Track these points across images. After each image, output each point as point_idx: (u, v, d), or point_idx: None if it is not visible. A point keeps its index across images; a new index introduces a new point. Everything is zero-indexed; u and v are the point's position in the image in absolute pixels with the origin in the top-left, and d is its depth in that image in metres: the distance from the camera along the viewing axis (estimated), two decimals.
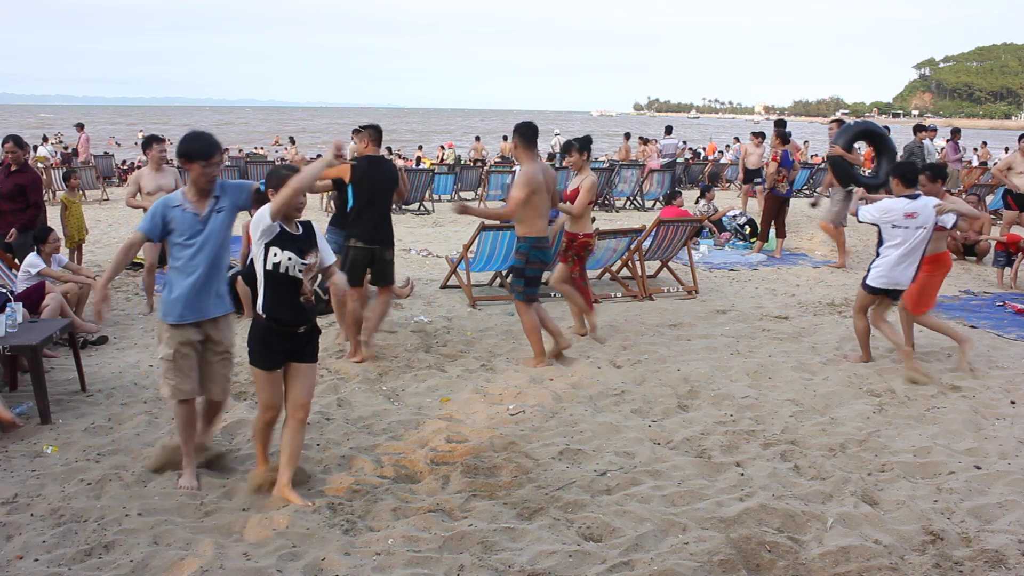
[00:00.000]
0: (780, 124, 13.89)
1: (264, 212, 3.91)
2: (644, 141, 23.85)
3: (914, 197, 6.10)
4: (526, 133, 6.06)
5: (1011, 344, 7.14)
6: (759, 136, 15.56)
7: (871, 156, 12.31)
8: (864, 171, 11.36)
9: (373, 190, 6.35)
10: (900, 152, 12.93)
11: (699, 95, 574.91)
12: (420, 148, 31.43)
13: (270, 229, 3.89)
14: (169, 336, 4.21)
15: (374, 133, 6.56)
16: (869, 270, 6.30)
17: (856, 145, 11.08)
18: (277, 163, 18.72)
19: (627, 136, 27.43)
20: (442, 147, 30.83)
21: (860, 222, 6.39)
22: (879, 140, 10.89)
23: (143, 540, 3.69)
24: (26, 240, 7.44)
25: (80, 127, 23.72)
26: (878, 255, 6.21)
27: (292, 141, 29.34)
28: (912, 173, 6.23)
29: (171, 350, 4.19)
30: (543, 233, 6.15)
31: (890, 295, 6.26)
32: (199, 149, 4.15)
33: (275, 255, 3.90)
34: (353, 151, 8.17)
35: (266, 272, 3.93)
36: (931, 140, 17.03)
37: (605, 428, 5.08)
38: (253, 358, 4.05)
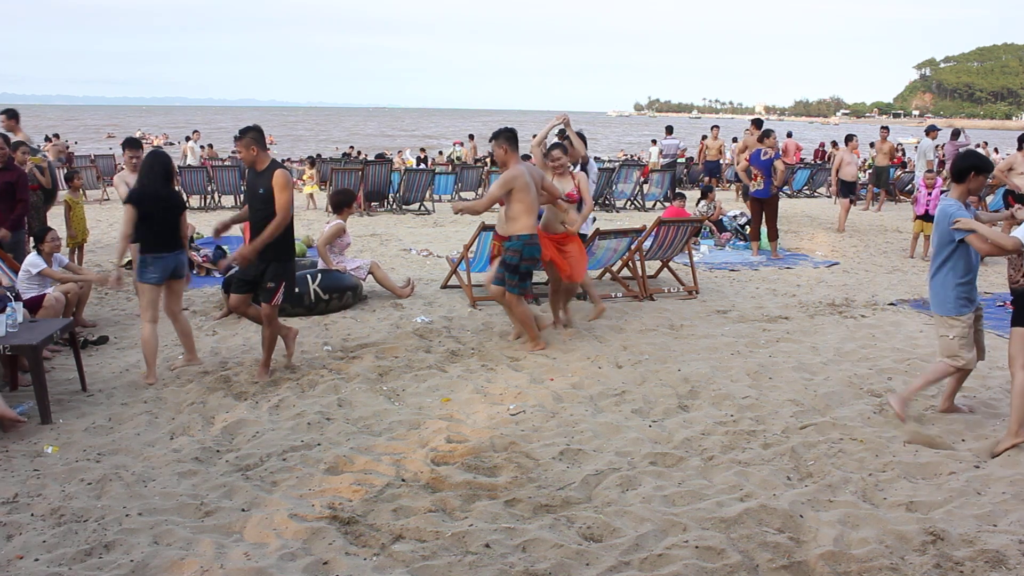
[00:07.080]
0: (757, 123, 13.91)
1: None
2: (654, 142, 23.91)
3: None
4: (511, 138, 6.42)
5: None
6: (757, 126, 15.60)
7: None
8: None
9: None
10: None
11: (700, 95, 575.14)
12: (423, 150, 31.40)
13: None
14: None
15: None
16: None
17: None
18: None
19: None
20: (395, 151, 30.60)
21: None
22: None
23: (143, 540, 3.69)
24: (19, 239, 7.40)
25: None
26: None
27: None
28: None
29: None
30: (532, 230, 6.41)
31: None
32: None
33: None
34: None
35: None
36: (932, 140, 17.07)
37: (606, 428, 5.08)
38: None
